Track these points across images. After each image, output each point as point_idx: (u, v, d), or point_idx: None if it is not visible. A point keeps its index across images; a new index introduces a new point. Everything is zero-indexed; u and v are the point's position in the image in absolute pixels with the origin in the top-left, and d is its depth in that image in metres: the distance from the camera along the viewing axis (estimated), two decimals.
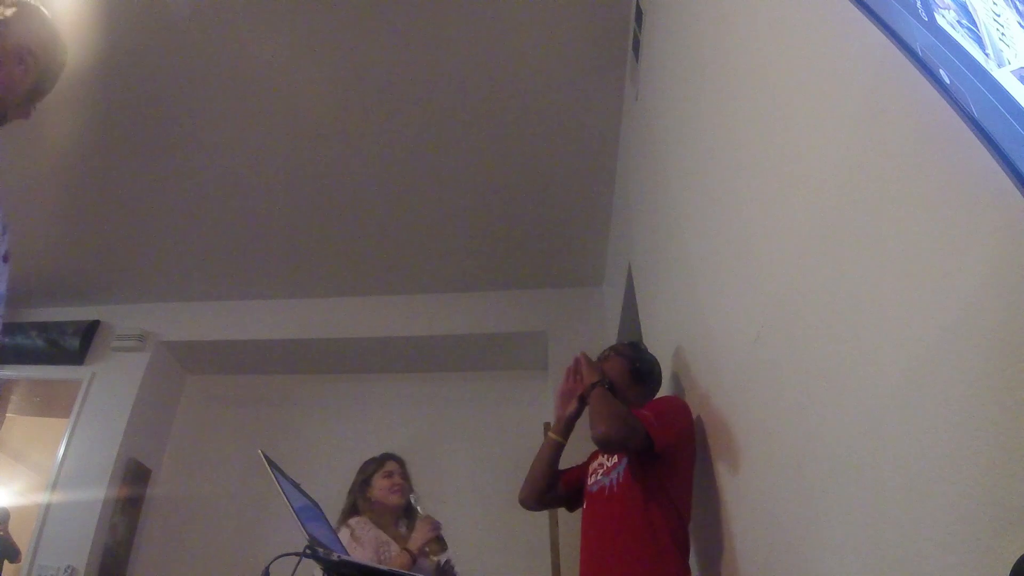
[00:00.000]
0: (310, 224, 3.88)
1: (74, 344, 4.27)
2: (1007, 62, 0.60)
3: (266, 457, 1.66)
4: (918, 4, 0.73)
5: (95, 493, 3.79)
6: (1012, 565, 0.54)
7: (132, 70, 3.00)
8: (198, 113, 3.22)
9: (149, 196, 3.72)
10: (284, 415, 4.40)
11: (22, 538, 4.47)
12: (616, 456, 1.79)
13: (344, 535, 2.16)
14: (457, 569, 2.32)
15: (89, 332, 4.37)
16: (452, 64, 2.95)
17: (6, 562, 4.78)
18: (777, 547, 1.24)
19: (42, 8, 1.20)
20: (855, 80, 0.94)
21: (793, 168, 1.18)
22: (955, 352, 0.70)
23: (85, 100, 3.08)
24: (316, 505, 2.08)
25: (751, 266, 1.42)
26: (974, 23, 0.65)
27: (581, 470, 1.99)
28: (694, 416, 1.82)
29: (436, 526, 2.28)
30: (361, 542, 2.07)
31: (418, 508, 2.35)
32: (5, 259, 1.14)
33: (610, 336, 3.87)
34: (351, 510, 2.32)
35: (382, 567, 1.75)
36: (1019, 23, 0.60)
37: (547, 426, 3.93)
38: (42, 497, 3.95)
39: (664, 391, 2.18)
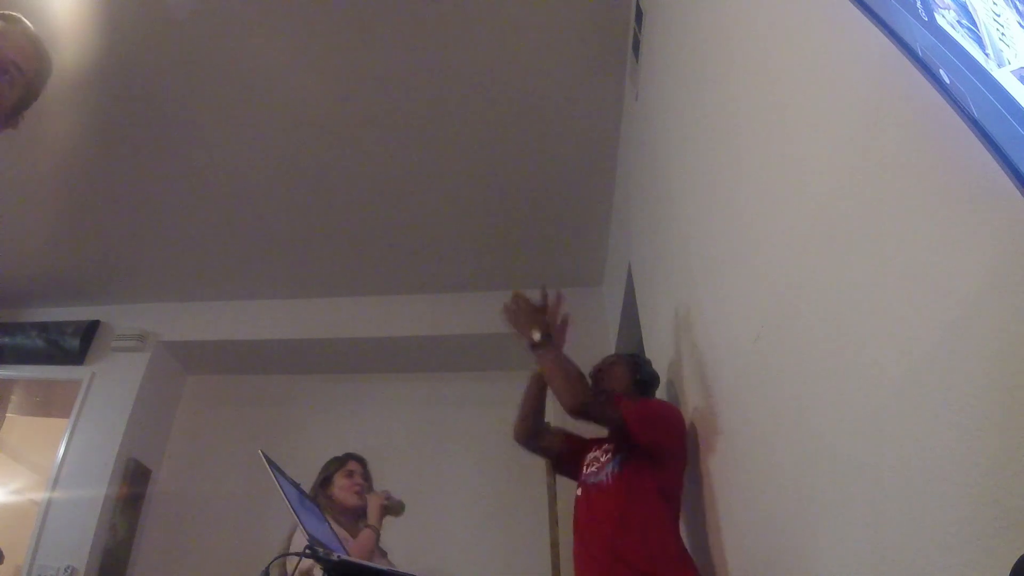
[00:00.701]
0: (310, 224, 3.88)
1: (74, 344, 4.27)
2: (1007, 62, 0.60)
3: (266, 457, 1.66)
4: (918, 4, 0.73)
5: (95, 493, 3.79)
6: (1012, 565, 0.54)
7: (132, 70, 3.00)
8: (198, 113, 3.21)
9: (149, 196, 3.71)
10: (284, 415, 4.39)
11: (22, 538, 4.46)
12: (609, 452, 1.81)
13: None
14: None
15: (89, 332, 4.37)
16: (452, 64, 2.95)
17: None
18: (777, 547, 1.24)
19: (24, 19, 1.21)
20: (855, 80, 0.94)
21: (793, 168, 1.18)
22: (955, 352, 0.70)
23: (85, 100, 3.08)
24: (316, 505, 2.09)
25: (751, 266, 1.42)
26: (974, 23, 0.65)
27: (584, 444, 2.04)
28: (688, 420, 1.84)
29: (385, 494, 2.33)
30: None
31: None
32: None
33: (610, 336, 3.87)
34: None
35: (382, 567, 1.76)
36: (1019, 23, 0.60)
37: (547, 426, 3.92)
38: (42, 497, 3.95)
39: (663, 392, 2.18)
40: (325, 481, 2.37)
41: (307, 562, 1.54)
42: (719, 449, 1.66)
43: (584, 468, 1.93)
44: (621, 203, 3.42)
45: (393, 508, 2.35)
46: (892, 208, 0.84)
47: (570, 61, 2.92)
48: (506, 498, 3.91)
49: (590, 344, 3.26)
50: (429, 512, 3.97)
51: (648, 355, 2.62)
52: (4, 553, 2.76)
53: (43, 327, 4.36)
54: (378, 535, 2.25)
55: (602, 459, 1.84)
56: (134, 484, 4.00)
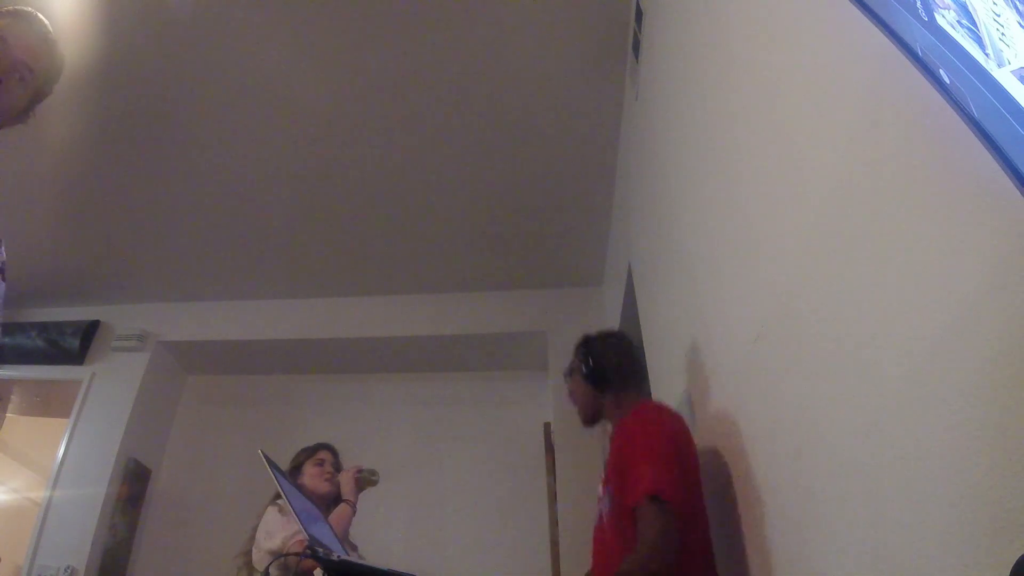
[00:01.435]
0: (310, 224, 3.89)
1: (74, 344, 4.28)
2: (1007, 62, 0.60)
3: (266, 457, 1.66)
4: (918, 4, 0.73)
5: (95, 493, 3.79)
6: (1012, 565, 0.54)
7: (132, 70, 3.00)
8: (198, 113, 3.22)
9: (149, 196, 3.72)
10: (284, 415, 4.40)
11: (22, 538, 4.47)
12: (601, 488, 1.61)
13: (271, 513, 2.17)
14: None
15: (89, 332, 4.37)
16: (452, 64, 2.95)
17: None
18: (777, 547, 1.24)
19: (36, 16, 1.21)
20: (855, 80, 0.94)
21: (793, 168, 1.18)
22: (955, 352, 0.70)
23: (85, 100, 3.08)
24: (316, 505, 2.09)
25: (751, 266, 1.42)
26: (974, 23, 0.65)
27: None
28: (675, 422, 1.59)
29: (355, 468, 2.36)
30: (290, 515, 2.07)
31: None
32: (2, 271, 1.15)
33: None
34: (280, 494, 2.32)
35: (381, 567, 1.75)
36: (1019, 23, 0.60)
37: (547, 426, 3.93)
38: (42, 497, 3.95)
39: (663, 392, 2.17)
40: (295, 470, 2.38)
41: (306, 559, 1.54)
42: (718, 449, 1.66)
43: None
44: (621, 203, 3.42)
45: (367, 479, 2.36)
46: (892, 208, 0.84)
47: (570, 61, 2.92)
48: (506, 498, 3.91)
49: None
50: (429, 512, 3.98)
51: (648, 355, 2.62)
52: (1, 557, 2.76)
53: (43, 327, 4.36)
54: (354, 509, 2.27)
55: (600, 491, 1.63)
56: (134, 484, 4.01)
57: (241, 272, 4.27)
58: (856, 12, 0.88)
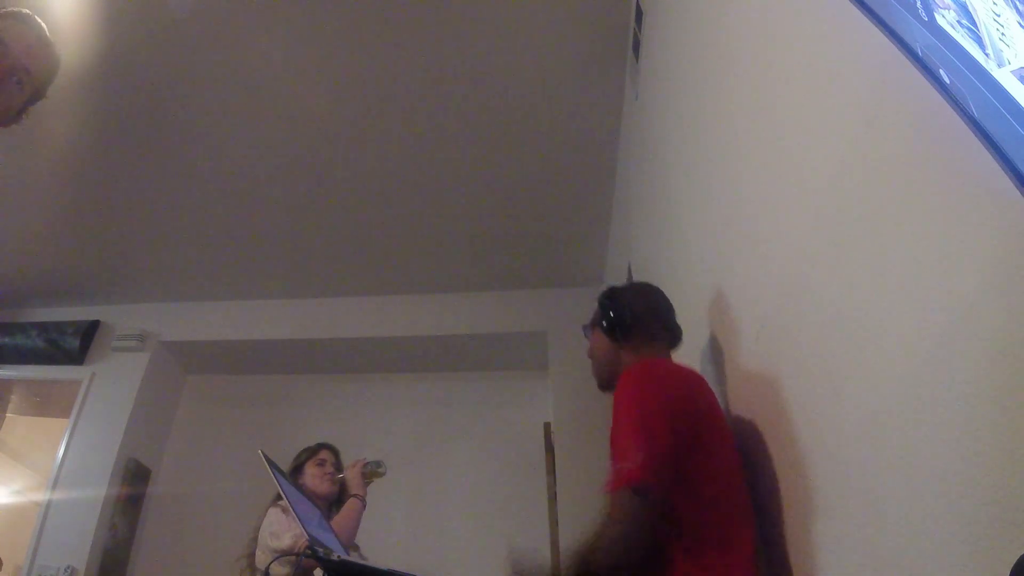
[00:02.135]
0: (310, 224, 3.88)
1: (74, 344, 4.27)
2: (1007, 62, 0.60)
3: (266, 457, 1.66)
4: (918, 4, 0.73)
5: (95, 493, 3.79)
6: (1012, 565, 0.54)
7: (132, 70, 3.00)
8: (198, 113, 3.21)
9: (149, 196, 3.71)
10: (284, 415, 4.39)
11: (22, 538, 4.46)
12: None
13: (274, 514, 2.17)
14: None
15: (89, 332, 4.37)
16: (452, 64, 2.95)
17: None
18: (777, 547, 1.24)
19: (34, 18, 1.21)
20: (855, 80, 0.94)
21: (793, 168, 1.18)
22: (955, 352, 0.70)
23: (85, 100, 3.08)
24: (316, 506, 2.09)
25: (751, 265, 1.42)
26: (974, 23, 0.65)
27: None
28: (673, 382, 1.37)
29: (361, 461, 2.35)
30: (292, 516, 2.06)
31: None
32: None
33: None
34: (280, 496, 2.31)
35: (381, 567, 1.76)
36: (1019, 23, 0.60)
37: (547, 426, 3.93)
38: (42, 497, 3.95)
39: None
40: (296, 470, 2.38)
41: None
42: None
43: None
44: (621, 203, 3.42)
45: (374, 471, 2.35)
46: (892, 208, 0.84)
47: (570, 61, 2.92)
48: (506, 498, 3.91)
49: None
50: (429, 512, 3.98)
51: None
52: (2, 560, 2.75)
53: (43, 327, 4.36)
54: (364, 503, 2.26)
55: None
56: (134, 484, 4.00)
57: (241, 272, 4.27)
58: (856, 12, 0.88)
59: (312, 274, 4.28)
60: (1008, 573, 0.54)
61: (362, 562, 1.84)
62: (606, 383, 1.53)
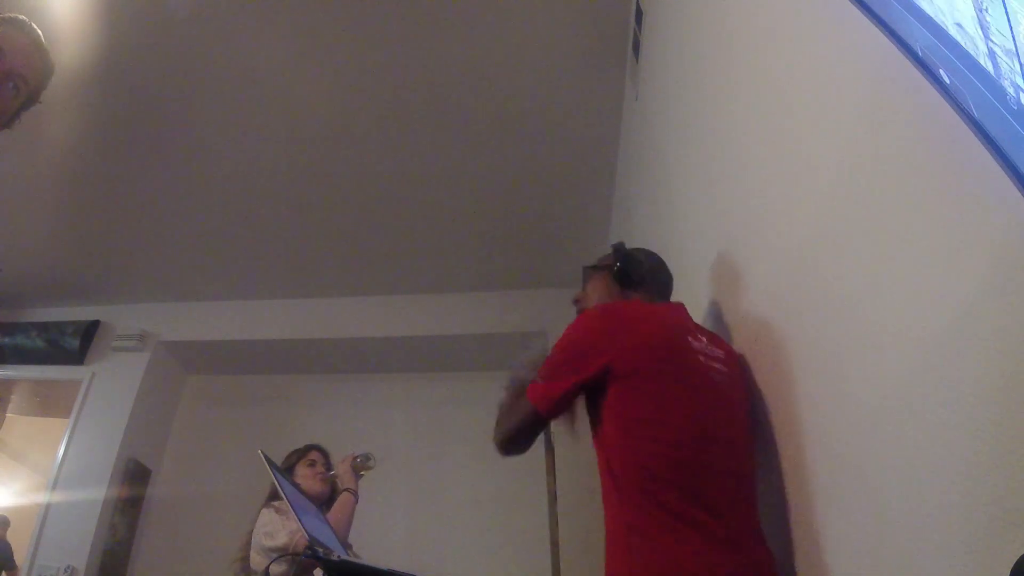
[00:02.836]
0: (310, 224, 3.88)
1: (74, 344, 4.27)
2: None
3: (266, 457, 1.66)
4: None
5: (95, 493, 3.79)
6: (1012, 565, 0.54)
7: (132, 70, 3.00)
8: (198, 113, 3.21)
9: (149, 196, 3.71)
10: (284, 415, 4.39)
11: (22, 538, 4.46)
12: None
13: (267, 515, 2.17)
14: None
15: (89, 332, 4.37)
16: (452, 64, 2.95)
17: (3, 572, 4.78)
18: (776, 547, 1.24)
19: (28, 24, 1.21)
20: (855, 80, 0.94)
21: (792, 169, 1.18)
22: (955, 352, 0.70)
23: (85, 100, 3.08)
24: (316, 505, 2.09)
25: (750, 266, 1.42)
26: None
27: None
28: (616, 315, 1.35)
29: (350, 456, 2.36)
30: (288, 515, 2.06)
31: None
32: None
33: None
34: (273, 496, 2.31)
35: (381, 567, 1.76)
36: None
37: (547, 426, 3.92)
38: (42, 497, 3.95)
39: None
40: (287, 472, 2.38)
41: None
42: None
43: None
44: (621, 203, 3.42)
45: (363, 464, 2.35)
46: (892, 208, 0.84)
47: (570, 61, 2.92)
48: (506, 498, 3.91)
49: None
50: (429, 512, 3.98)
51: None
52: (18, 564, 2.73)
53: (43, 327, 4.36)
54: (356, 496, 2.26)
55: None
56: (134, 484, 4.00)
57: (241, 272, 4.27)
58: (856, 12, 0.88)
59: (312, 274, 4.28)
60: (1008, 573, 0.54)
61: (362, 562, 1.84)
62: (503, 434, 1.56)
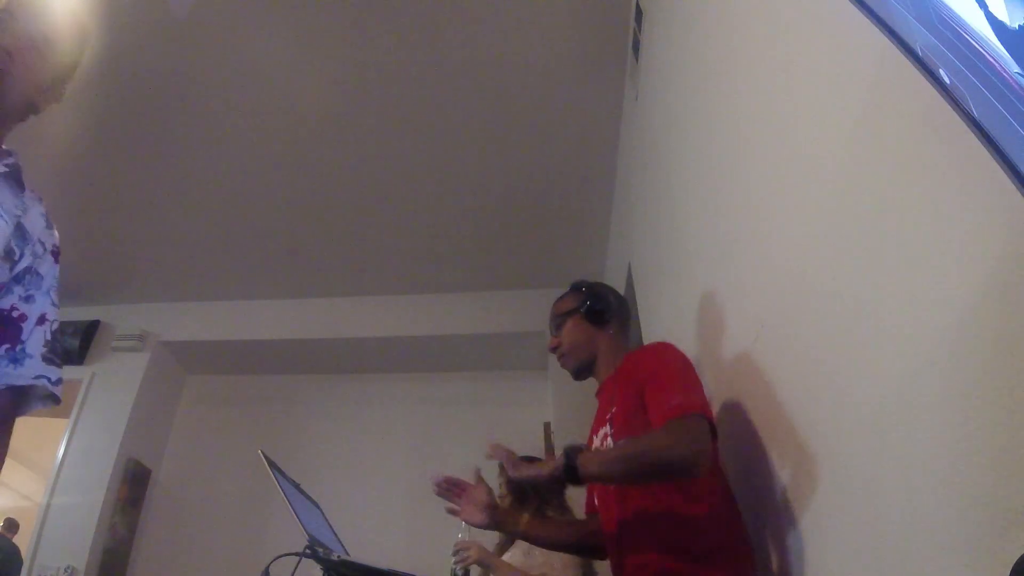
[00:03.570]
0: (310, 224, 3.88)
1: (74, 344, 4.27)
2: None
3: (266, 457, 1.66)
4: None
5: (95, 493, 3.79)
6: (1012, 565, 0.54)
7: (132, 70, 3.00)
8: (197, 113, 3.22)
9: (149, 196, 3.72)
10: (284, 415, 4.40)
11: (22, 538, 4.47)
12: (600, 441, 1.49)
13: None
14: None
15: (89, 332, 4.37)
16: (452, 64, 2.95)
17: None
18: (776, 547, 1.24)
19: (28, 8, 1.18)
20: (855, 80, 0.94)
21: (793, 168, 1.18)
22: (955, 352, 0.70)
23: (85, 100, 3.08)
24: (316, 505, 2.09)
25: (751, 266, 1.42)
26: None
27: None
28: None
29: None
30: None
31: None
32: (55, 254, 1.14)
33: None
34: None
35: (382, 567, 1.75)
36: None
37: (547, 426, 3.93)
38: (42, 497, 3.95)
39: None
40: None
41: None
42: (718, 448, 1.66)
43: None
44: (621, 203, 3.42)
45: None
46: (892, 208, 0.84)
47: (570, 61, 2.92)
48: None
49: None
50: (429, 512, 3.97)
51: None
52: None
53: None
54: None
55: (598, 444, 1.54)
56: (134, 484, 4.01)
57: (241, 272, 4.27)
58: (856, 12, 0.88)
59: (312, 274, 4.28)
60: (1008, 573, 0.54)
61: (362, 562, 1.84)
62: (584, 368, 1.61)
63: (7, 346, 0.99)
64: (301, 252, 4.11)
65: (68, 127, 3.19)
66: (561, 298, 1.69)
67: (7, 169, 1.13)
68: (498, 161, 3.43)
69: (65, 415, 4.18)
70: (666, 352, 1.45)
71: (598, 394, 1.60)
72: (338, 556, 1.41)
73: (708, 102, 1.76)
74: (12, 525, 5.04)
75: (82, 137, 3.32)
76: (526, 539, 1.54)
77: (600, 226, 3.82)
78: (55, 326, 1.07)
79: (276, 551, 1.86)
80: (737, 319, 1.51)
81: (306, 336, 4.35)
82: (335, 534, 1.94)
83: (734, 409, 1.54)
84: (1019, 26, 0.58)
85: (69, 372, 4.17)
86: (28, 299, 1.04)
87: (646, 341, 2.74)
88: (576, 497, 1.89)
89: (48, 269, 1.10)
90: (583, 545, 1.59)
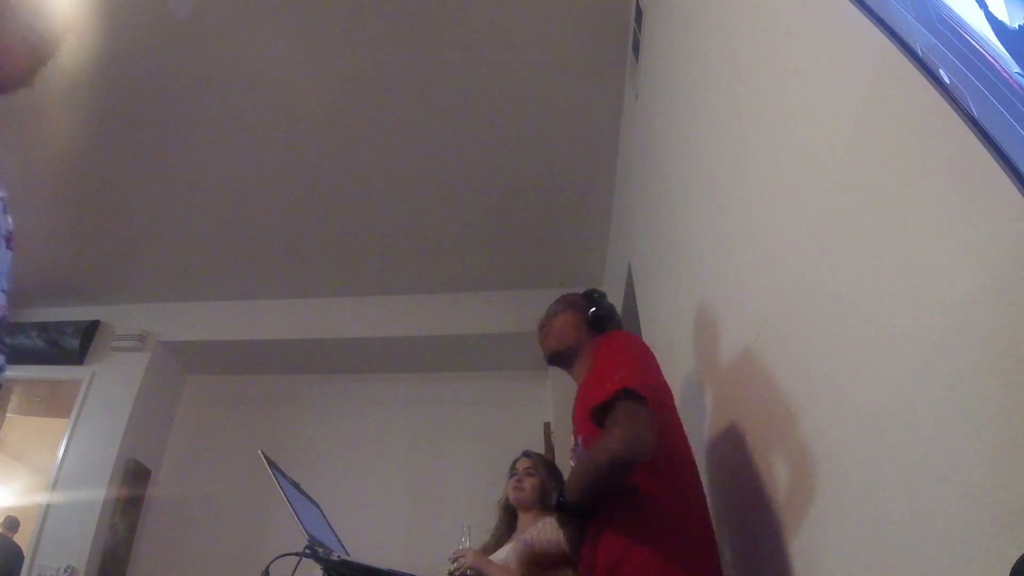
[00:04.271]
0: (310, 224, 3.89)
1: (74, 344, 4.28)
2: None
3: (266, 457, 1.66)
4: None
5: (95, 493, 3.79)
6: (1012, 565, 0.54)
7: (132, 70, 3.00)
8: (198, 113, 3.22)
9: (149, 196, 3.72)
10: (284, 415, 4.40)
11: (23, 538, 4.47)
12: (573, 440, 1.51)
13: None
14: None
15: (89, 332, 4.37)
16: (452, 64, 2.95)
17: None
18: (777, 547, 1.24)
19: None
20: (855, 80, 0.94)
21: (792, 168, 1.18)
22: (955, 352, 0.70)
23: (85, 99, 3.08)
24: (316, 505, 2.09)
25: (751, 265, 1.42)
26: None
27: None
28: (685, 419, 1.52)
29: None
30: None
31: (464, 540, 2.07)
32: (7, 240, 1.11)
33: None
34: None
35: (381, 567, 1.76)
36: None
37: (547, 426, 3.93)
38: (42, 497, 3.95)
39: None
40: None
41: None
42: (717, 448, 1.66)
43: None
44: (621, 203, 3.42)
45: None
46: (892, 208, 0.84)
47: (570, 61, 2.92)
48: None
49: None
50: (429, 512, 3.98)
51: None
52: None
53: (43, 327, 4.36)
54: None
55: (572, 443, 1.59)
56: (134, 484, 4.01)
57: (241, 272, 4.27)
58: (856, 12, 0.88)
59: (312, 274, 4.28)
60: (1008, 573, 0.54)
61: (362, 562, 1.84)
62: (560, 357, 1.68)
63: None
64: (301, 252, 4.11)
65: (68, 127, 3.20)
66: (572, 293, 1.77)
67: None
68: (498, 161, 3.43)
69: (65, 415, 4.18)
70: (607, 347, 1.50)
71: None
72: (338, 556, 1.41)
73: (708, 102, 1.76)
74: (13, 524, 5.04)
75: (82, 137, 3.32)
76: None
77: (600, 226, 3.82)
78: (2, 313, 1.04)
79: (276, 551, 1.86)
80: (737, 318, 1.51)
81: (306, 336, 4.35)
82: (335, 534, 1.94)
83: (734, 408, 1.54)
84: (1019, 26, 0.58)
85: (69, 372, 4.24)
86: None
87: (646, 340, 2.74)
88: None
89: (0, 255, 1.07)
90: None
